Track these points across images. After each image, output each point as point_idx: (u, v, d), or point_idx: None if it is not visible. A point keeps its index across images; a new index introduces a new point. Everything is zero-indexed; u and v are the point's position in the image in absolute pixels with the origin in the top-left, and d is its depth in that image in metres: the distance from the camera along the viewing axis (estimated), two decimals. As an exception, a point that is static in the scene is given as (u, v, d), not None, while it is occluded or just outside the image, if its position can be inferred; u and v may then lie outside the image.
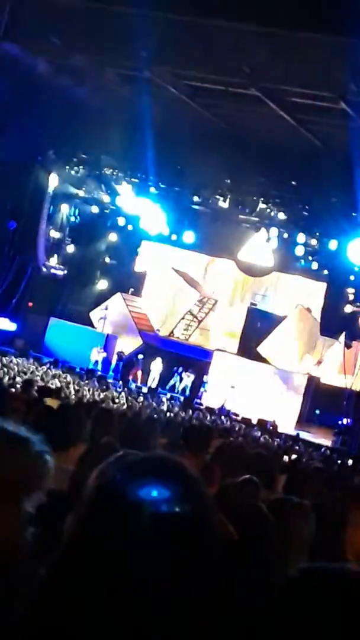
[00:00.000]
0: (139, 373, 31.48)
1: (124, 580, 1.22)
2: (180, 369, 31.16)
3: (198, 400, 29.09)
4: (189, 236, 33.41)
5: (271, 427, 25.73)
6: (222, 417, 25.28)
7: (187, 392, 30.25)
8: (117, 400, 21.34)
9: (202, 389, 30.61)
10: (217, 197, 29.59)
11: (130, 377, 30.79)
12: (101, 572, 1.23)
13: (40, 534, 3.95)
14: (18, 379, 18.00)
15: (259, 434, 23.09)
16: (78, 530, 1.33)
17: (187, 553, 1.25)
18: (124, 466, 1.37)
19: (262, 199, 28.68)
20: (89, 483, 3.28)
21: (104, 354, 31.56)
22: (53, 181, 32.61)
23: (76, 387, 20.74)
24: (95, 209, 34.19)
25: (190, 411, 24.55)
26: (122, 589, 1.22)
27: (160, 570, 1.23)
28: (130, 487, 1.30)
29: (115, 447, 4.07)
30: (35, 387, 14.06)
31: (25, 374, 20.56)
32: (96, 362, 31.16)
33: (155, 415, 16.15)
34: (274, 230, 29.26)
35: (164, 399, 26.63)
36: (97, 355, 31.36)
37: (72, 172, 31.93)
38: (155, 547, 1.23)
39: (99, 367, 30.86)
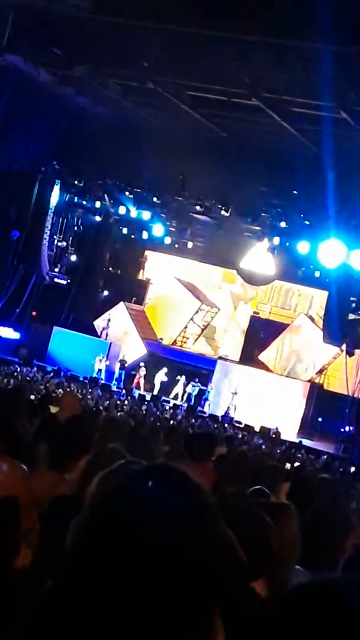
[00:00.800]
0: (142, 381, 31.53)
1: (127, 589, 1.22)
2: (184, 377, 31.21)
3: (201, 409, 29.13)
4: (191, 245, 33.53)
5: (274, 435, 25.76)
6: (225, 425, 25.33)
7: (191, 400, 30.28)
8: (120, 409, 21.38)
9: (205, 397, 30.66)
10: (219, 206, 29.68)
11: (133, 386, 30.86)
12: (104, 580, 1.23)
13: (45, 539, 4.06)
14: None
15: (261, 441, 23.13)
16: (81, 537, 1.32)
17: (190, 563, 1.25)
18: (127, 475, 1.36)
19: (263, 208, 28.77)
20: (90, 490, 3.37)
21: (107, 362, 31.61)
22: (56, 191, 32.74)
23: (79, 396, 20.77)
24: (98, 219, 34.31)
25: (194, 419, 24.60)
26: (125, 598, 1.22)
27: (163, 579, 1.23)
28: (133, 496, 1.30)
29: (122, 454, 4.16)
30: (39, 396, 14.13)
31: (28, 382, 20.63)
32: (99, 370, 31.21)
33: (158, 424, 16.20)
34: (276, 239, 29.35)
35: (167, 407, 26.69)
36: (100, 363, 31.41)
37: (75, 182, 32.04)
38: (157, 556, 1.23)
39: (102, 375, 30.92)
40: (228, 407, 28.89)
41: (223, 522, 1.39)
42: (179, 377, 31.37)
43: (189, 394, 30.69)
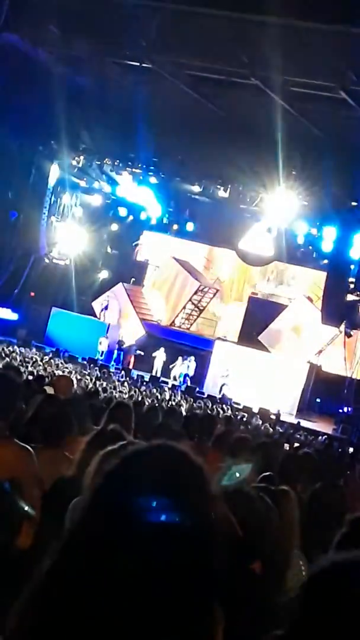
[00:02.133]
0: (132, 360, 31.65)
1: (124, 571, 1.21)
2: (182, 358, 31.25)
3: (200, 389, 29.18)
4: (189, 226, 33.49)
5: (272, 416, 25.83)
6: (224, 406, 25.39)
7: (189, 381, 30.34)
8: (119, 389, 21.44)
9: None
10: (218, 186, 29.61)
11: (125, 365, 30.99)
12: (102, 562, 1.22)
13: (46, 520, 4.08)
14: (22, 369, 18.07)
15: (260, 422, 23.20)
16: (81, 519, 1.31)
17: (190, 544, 1.24)
18: (126, 455, 1.35)
19: (262, 188, 28.70)
20: (89, 470, 3.38)
21: (108, 340, 31.72)
22: (54, 171, 32.64)
23: (78, 377, 20.83)
24: (96, 199, 34.23)
25: (192, 400, 24.67)
26: (123, 580, 1.21)
27: (162, 561, 1.21)
28: (131, 476, 1.29)
29: (121, 434, 4.17)
30: (33, 377, 14.15)
31: (28, 363, 20.66)
32: (102, 352, 31.31)
33: (157, 404, 16.25)
34: (274, 220, 29.31)
35: (165, 388, 26.75)
36: (103, 344, 31.55)
37: (74, 162, 31.94)
38: (156, 541, 1.22)
39: (102, 356, 31.02)
40: (222, 386, 28.93)
41: (223, 503, 1.37)
42: (177, 357, 31.39)
43: (187, 375, 30.69)
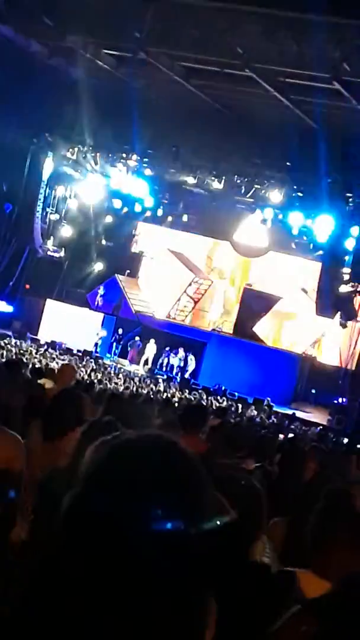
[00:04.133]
0: (135, 355, 31.61)
1: (117, 562, 1.20)
2: (177, 350, 31.28)
3: (194, 381, 29.23)
4: (184, 217, 33.48)
5: (267, 407, 25.90)
6: (219, 397, 25.45)
7: (184, 373, 30.38)
8: (114, 381, 21.48)
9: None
10: (212, 178, 29.59)
11: (128, 359, 30.96)
12: (95, 554, 1.21)
13: (41, 512, 4.11)
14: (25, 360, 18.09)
15: (255, 413, 23.27)
16: (72, 510, 1.29)
17: (183, 534, 1.23)
18: (116, 445, 1.34)
19: (256, 179, 28.70)
20: (83, 461, 3.40)
21: (104, 335, 31.73)
22: (49, 163, 32.60)
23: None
24: (90, 191, 34.18)
25: (187, 391, 24.72)
26: (116, 571, 1.20)
27: (155, 551, 1.21)
28: (122, 467, 1.29)
29: (115, 425, 4.20)
30: (29, 369, 14.15)
31: (23, 355, 20.69)
32: (96, 344, 31.31)
33: (152, 396, 16.29)
34: (269, 211, 29.31)
35: (160, 380, 26.80)
36: (98, 334, 31.56)
37: (68, 154, 31.90)
38: (147, 526, 1.21)
39: (98, 349, 31.04)
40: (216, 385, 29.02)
41: (215, 492, 1.38)
42: (171, 349, 31.40)
43: (182, 367, 30.74)
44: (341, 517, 3.49)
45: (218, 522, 1.29)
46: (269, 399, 26.64)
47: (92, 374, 22.13)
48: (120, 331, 32.12)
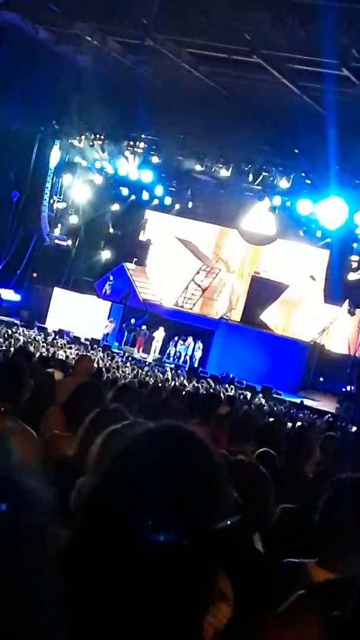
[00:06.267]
0: (143, 343, 31.61)
1: (132, 554, 1.20)
2: (185, 338, 31.27)
3: (203, 369, 29.22)
4: (191, 205, 33.39)
5: (275, 394, 25.88)
6: (227, 385, 25.43)
7: (192, 361, 30.38)
8: (122, 370, 21.48)
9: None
10: (220, 165, 29.49)
11: (136, 348, 30.96)
12: (110, 545, 1.21)
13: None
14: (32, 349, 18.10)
15: (263, 401, 23.26)
16: (89, 502, 1.30)
17: (197, 526, 1.23)
18: (135, 436, 1.35)
19: (264, 167, 28.59)
20: (93, 450, 3.38)
21: (113, 325, 31.75)
22: (56, 151, 32.54)
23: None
24: (98, 179, 34.13)
25: (196, 380, 24.71)
26: (130, 563, 1.20)
27: (169, 543, 1.21)
28: (140, 458, 1.29)
29: (124, 414, 4.17)
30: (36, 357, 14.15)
31: (31, 344, 20.70)
32: (106, 334, 31.31)
33: (160, 385, 16.29)
34: (277, 199, 29.21)
35: (168, 368, 26.80)
36: (109, 327, 31.57)
37: (75, 142, 31.82)
38: (164, 518, 1.21)
39: (108, 338, 31.05)
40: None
41: (231, 483, 1.37)
42: (179, 337, 31.40)
43: (190, 355, 30.74)
44: (347, 507, 3.44)
45: (229, 522, 1.28)
46: (272, 388, 26.56)
47: (100, 362, 22.12)
48: (132, 320, 32.07)
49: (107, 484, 1.30)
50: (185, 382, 23.02)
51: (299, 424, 17.29)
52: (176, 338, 31.16)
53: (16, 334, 23.18)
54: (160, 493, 1.23)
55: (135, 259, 35.53)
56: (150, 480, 1.24)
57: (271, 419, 12.77)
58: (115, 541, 1.22)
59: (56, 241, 34.18)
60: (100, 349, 27.54)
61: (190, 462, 1.28)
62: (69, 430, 5.02)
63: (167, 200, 33.33)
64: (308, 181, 27.91)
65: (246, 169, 29.00)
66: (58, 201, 34.30)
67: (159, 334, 31.29)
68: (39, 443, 4.72)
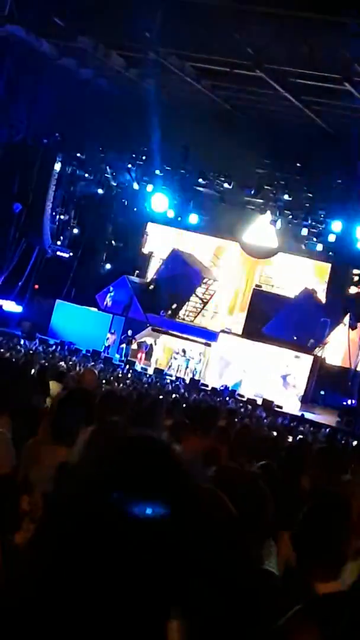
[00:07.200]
0: (143, 356, 31.58)
1: (102, 565, 1.21)
2: (186, 351, 31.25)
3: (203, 382, 29.19)
4: (193, 218, 33.44)
5: (276, 408, 25.85)
6: (227, 398, 25.42)
7: (193, 374, 30.34)
8: (123, 382, 21.46)
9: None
10: (222, 179, 29.57)
11: (137, 360, 30.93)
12: (79, 557, 1.22)
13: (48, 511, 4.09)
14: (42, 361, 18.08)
15: (264, 414, 23.23)
16: (63, 514, 1.30)
17: (166, 539, 1.23)
18: (107, 447, 1.36)
19: (266, 180, 28.66)
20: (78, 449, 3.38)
21: (115, 336, 31.74)
22: (58, 163, 32.63)
23: (82, 370, 20.85)
24: (100, 191, 34.21)
25: (196, 392, 24.69)
26: (103, 574, 1.21)
27: (136, 556, 1.21)
28: (111, 470, 1.29)
29: (124, 426, 4.18)
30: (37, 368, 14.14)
31: (32, 356, 20.68)
32: (108, 347, 31.30)
33: (160, 397, 16.27)
34: (279, 212, 29.27)
35: (168, 381, 26.76)
36: (110, 339, 31.56)
37: (78, 154, 31.92)
38: (131, 531, 1.22)
39: (110, 350, 31.04)
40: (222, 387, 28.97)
41: (216, 490, 1.37)
42: (180, 350, 31.39)
43: (191, 368, 30.73)
44: (324, 521, 3.42)
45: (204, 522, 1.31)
46: (273, 401, 26.54)
47: (101, 374, 22.10)
48: (127, 331, 32.06)
49: (78, 493, 1.30)
50: (185, 394, 23.00)
51: (299, 437, 17.26)
52: (177, 350, 31.13)
53: (17, 346, 23.18)
54: (127, 507, 1.24)
55: (137, 271, 35.53)
56: (119, 494, 1.25)
57: (271, 432, 12.79)
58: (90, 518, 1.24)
59: (58, 253, 34.22)
60: (100, 361, 27.53)
61: (161, 476, 1.29)
62: (56, 440, 5.04)
63: (170, 213, 33.38)
64: (310, 194, 27.98)
65: (248, 182, 29.08)
66: (60, 213, 34.36)
67: (159, 347, 31.26)
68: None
